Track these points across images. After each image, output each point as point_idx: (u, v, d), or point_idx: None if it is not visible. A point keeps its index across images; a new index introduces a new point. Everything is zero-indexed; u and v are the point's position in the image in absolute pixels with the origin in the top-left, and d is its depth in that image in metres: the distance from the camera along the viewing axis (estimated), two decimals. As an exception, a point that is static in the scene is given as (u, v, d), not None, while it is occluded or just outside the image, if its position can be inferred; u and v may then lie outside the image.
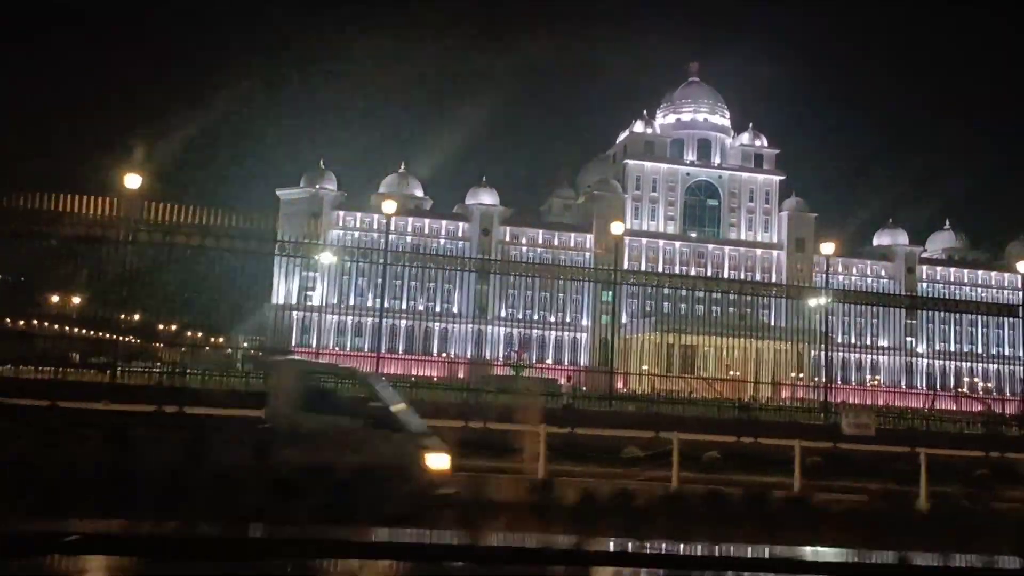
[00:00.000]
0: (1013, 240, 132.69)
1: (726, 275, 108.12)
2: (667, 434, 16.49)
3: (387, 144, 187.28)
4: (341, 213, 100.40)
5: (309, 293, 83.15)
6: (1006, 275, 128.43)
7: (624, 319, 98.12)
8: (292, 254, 26.57)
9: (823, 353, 34.28)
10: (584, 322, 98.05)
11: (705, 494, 14.34)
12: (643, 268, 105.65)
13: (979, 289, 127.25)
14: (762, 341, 46.80)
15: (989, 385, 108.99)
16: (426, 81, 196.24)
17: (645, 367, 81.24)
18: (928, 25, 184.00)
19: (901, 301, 42.28)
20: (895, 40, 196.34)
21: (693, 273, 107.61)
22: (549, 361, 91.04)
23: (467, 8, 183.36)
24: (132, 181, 24.39)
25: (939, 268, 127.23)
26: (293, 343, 77.59)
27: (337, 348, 79.18)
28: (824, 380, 33.70)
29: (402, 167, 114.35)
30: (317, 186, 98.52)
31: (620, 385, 73.48)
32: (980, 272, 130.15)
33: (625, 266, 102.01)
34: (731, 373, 73.16)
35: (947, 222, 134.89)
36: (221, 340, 36.82)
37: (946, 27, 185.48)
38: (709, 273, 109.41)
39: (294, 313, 77.23)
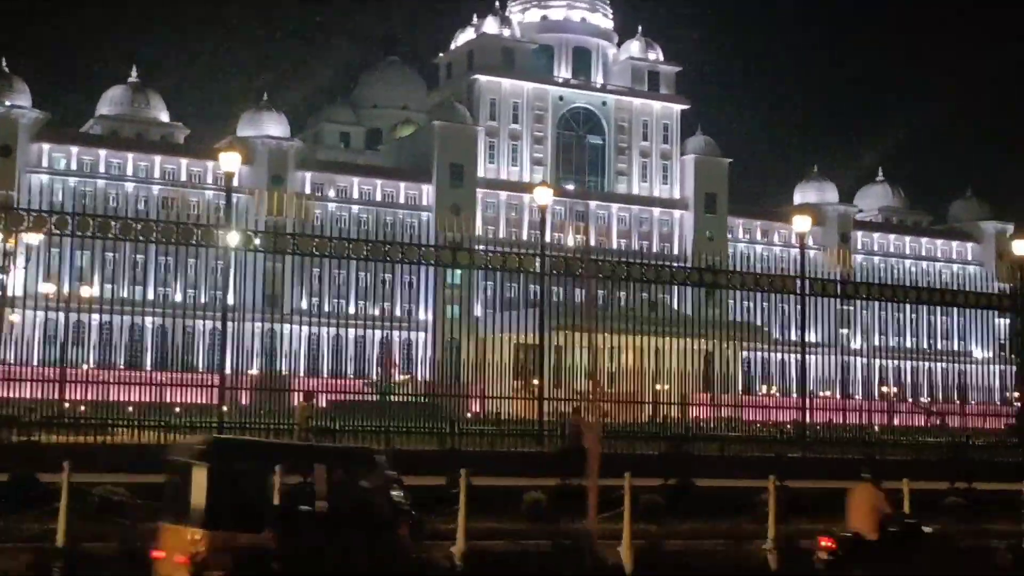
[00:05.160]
0: (957, 198, 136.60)
1: (615, 243, 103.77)
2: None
3: (110, 43, 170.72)
4: (46, 147, 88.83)
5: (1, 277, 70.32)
6: (954, 243, 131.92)
7: (478, 311, 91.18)
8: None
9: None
10: (422, 316, 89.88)
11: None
12: (502, 232, 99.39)
13: (924, 263, 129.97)
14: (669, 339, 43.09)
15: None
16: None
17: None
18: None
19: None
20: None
21: (571, 241, 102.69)
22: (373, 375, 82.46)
23: None
24: None
25: (876, 234, 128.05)
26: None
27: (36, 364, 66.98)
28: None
29: (133, 74, 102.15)
30: (7, 103, 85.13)
31: (476, 408, 65.30)
32: (925, 240, 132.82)
33: (478, 230, 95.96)
34: (663, 387, 67.59)
35: (880, 173, 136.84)
36: None
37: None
38: (593, 242, 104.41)
39: (-25, 310, 64.73)
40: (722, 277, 34.32)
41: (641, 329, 37.12)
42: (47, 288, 59.16)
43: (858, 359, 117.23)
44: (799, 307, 34.16)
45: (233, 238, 30.12)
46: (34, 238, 35.57)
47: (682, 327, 43.97)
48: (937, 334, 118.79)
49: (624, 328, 35.77)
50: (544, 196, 38.51)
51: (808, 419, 40.54)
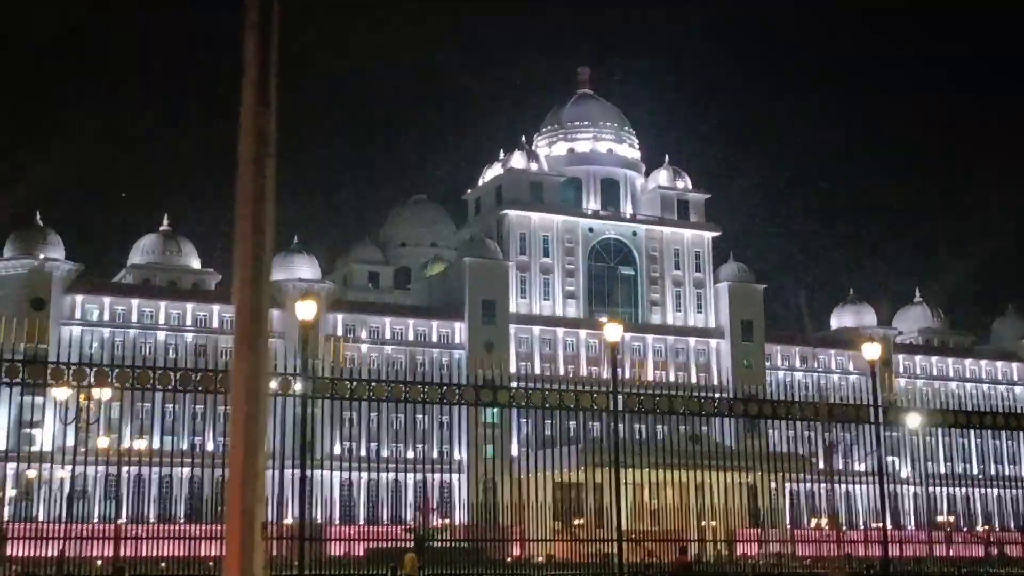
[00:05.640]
0: (997, 317, 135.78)
1: (650, 375, 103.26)
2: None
3: (141, 192, 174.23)
4: (79, 298, 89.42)
5: (32, 432, 70.44)
6: (998, 364, 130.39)
7: (515, 450, 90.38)
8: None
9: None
10: (457, 456, 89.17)
11: None
12: (537, 368, 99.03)
13: (968, 385, 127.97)
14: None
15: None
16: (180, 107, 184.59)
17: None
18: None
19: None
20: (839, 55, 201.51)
21: (606, 375, 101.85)
22: (409, 519, 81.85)
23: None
24: None
25: (917, 357, 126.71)
26: (6, 515, 64.37)
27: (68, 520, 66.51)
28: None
29: (164, 223, 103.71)
30: (41, 256, 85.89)
31: (516, 552, 64.04)
32: (968, 361, 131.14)
33: (512, 367, 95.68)
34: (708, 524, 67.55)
35: (917, 294, 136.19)
36: None
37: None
38: (628, 374, 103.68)
39: (7, 467, 64.48)
40: (795, 408, 33.75)
41: (689, 463, 36.72)
42: (105, 443, 58.83)
43: (905, 487, 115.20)
44: (873, 436, 33.65)
45: (305, 386, 29.75)
46: (105, 392, 35.55)
47: (730, 461, 43.16)
48: (990, 459, 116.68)
49: (684, 463, 35.28)
50: (614, 333, 38.00)
51: (856, 552, 39.42)
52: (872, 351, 37.97)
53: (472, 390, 32.44)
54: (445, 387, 31.18)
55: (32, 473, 74.49)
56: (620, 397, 31.66)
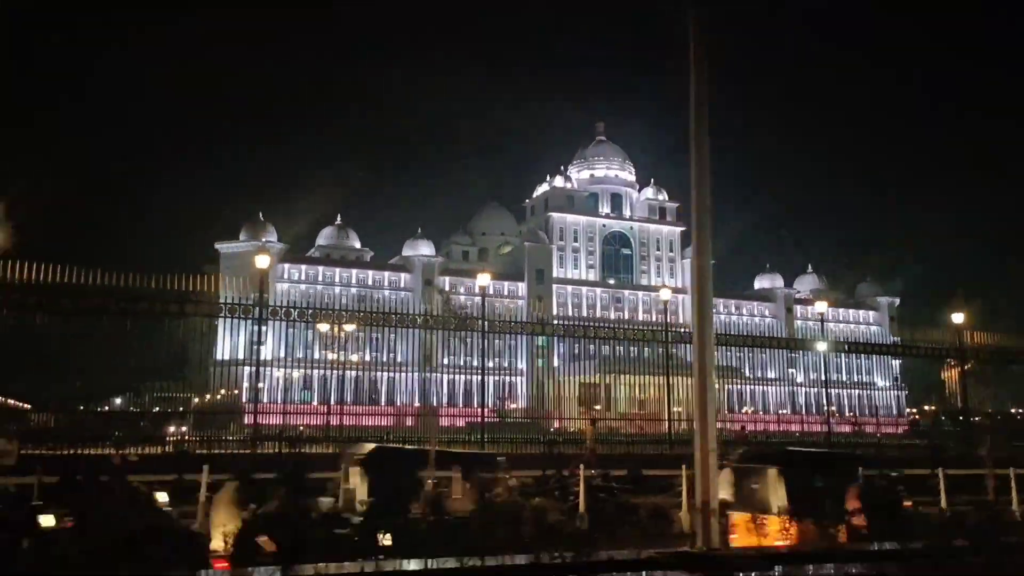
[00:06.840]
0: (861, 282, 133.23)
1: (640, 317, 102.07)
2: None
3: (311, 195, 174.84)
4: (286, 266, 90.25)
5: (260, 347, 71.16)
6: (860, 311, 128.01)
7: (555, 362, 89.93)
8: (244, 317, 22.59)
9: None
10: (520, 365, 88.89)
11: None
12: (570, 313, 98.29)
13: (841, 324, 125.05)
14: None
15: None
16: (345, 135, 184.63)
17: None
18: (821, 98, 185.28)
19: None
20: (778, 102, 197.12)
21: (613, 316, 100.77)
22: (489, 406, 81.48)
23: (379, 63, 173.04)
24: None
25: (809, 307, 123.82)
26: (244, 399, 64.80)
27: (284, 404, 67.14)
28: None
29: (338, 219, 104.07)
30: (263, 239, 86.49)
31: (557, 425, 62.88)
32: (842, 310, 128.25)
33: (554, 311, 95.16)
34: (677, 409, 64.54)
35: (809, 266, 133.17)
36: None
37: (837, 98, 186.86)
38: (627, 316, 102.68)
39: (244, 369, 65.24)
40: (771, 341, 32.08)
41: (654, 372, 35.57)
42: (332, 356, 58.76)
43: (801, 389, 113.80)
44: (822, 360, 32.14)
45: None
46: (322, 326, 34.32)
47: (686, 370, 41.97)
48: (853, 372, 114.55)
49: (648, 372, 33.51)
50: (666, 294, 35.98)
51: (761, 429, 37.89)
52: (821, 305, 36.19)
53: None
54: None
55: (278, 373, 73.16)
56: (669, 333, 30.60)
